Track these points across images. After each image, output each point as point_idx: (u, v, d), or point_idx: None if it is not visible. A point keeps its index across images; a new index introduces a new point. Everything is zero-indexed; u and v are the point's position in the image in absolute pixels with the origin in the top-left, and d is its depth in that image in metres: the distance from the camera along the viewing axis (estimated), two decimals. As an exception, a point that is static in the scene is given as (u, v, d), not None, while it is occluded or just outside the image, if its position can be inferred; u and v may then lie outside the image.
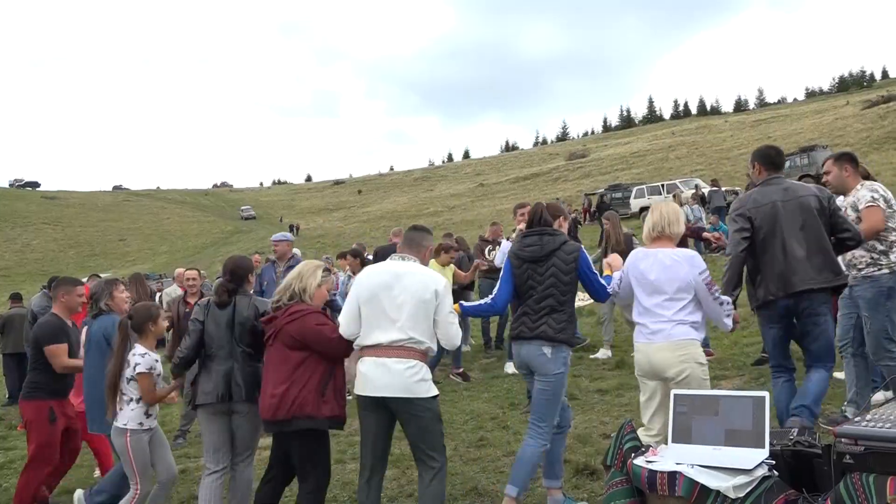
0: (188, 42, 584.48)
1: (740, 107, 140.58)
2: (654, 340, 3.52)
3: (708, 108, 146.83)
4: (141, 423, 3.91)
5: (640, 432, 3.49)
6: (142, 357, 3.91)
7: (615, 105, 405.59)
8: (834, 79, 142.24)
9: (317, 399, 3.39)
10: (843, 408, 4.70)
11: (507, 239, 6.49)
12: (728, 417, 2.94)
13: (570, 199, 41.32)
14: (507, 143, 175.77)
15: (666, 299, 3.52)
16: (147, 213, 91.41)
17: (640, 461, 2.86)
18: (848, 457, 2.50)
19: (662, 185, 29.58)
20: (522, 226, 6.15)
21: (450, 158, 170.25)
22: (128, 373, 3.90)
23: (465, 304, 4.02)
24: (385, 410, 3.38)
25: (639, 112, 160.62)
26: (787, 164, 27.28)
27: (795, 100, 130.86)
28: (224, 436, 3.85)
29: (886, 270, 4.35)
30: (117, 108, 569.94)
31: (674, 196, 18.78)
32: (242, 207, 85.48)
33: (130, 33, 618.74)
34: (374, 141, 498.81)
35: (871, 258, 4.40)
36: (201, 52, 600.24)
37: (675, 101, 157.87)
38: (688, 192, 22.89)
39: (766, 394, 2.94)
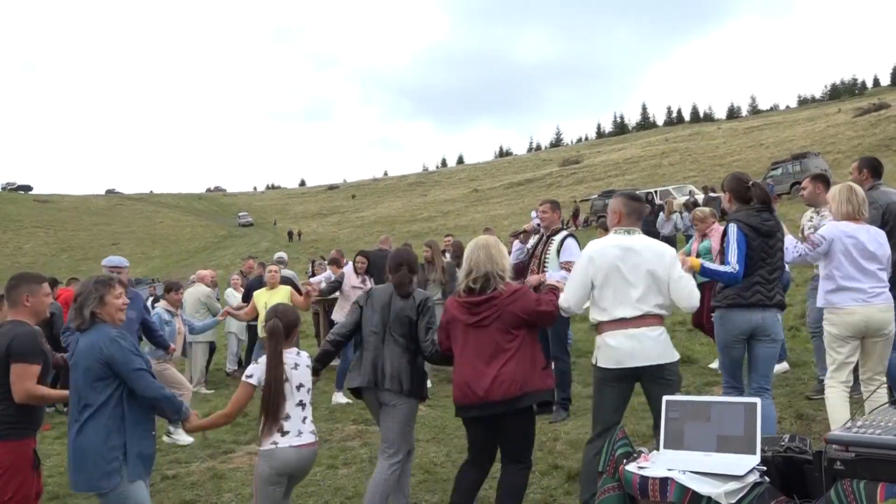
0: (182, 46, 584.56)
1: (733, 114, 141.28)
2: (874, 302, 4.01)
3: (701, 114, 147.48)
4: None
5: (836, 387, 4.03)
6: (309, 357, 3.57)
7: (609, 111, 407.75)
8: (826, 86, 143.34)
9: (539, 372, 3.53)
10: (819, 376, 5.35)
11: (517, 239, 6.48)
12: (720, 423, 2.94)
13: (564, 206, 41.44)
14: (500, 148, 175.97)
15: (880, 268, 4.07)
16: (140, 217, 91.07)
17: (631, 467, 2.85)
18: (839, 463, 2.50)
19: (655, 192, 29.68)
20: (534, 223, 6.13)
21: (444, 164, 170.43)
22: (295, 380, 3.40)
23: (706, 264, 3.99)
24: (630, 381, 3.59)
25: (632, 118, 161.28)
26: (779, 170, 27.47)
27: (788, 107, 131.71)
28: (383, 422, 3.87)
29: None
30: (111, 112, 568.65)
31: (665, 202, 18.79)
32: (240, 214, 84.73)
33: (124, 37, 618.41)
34: (368, 146, 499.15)
35: None
36: (195, 56, 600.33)
37: (669, 108, 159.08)
38: (680, 199, 22.96)
39: (757, 400, 2.95)
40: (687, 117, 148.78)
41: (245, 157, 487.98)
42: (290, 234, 59.35)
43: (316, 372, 3.72)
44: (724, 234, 4.05)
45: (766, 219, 4.04)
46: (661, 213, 17.30)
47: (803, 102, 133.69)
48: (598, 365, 3.61)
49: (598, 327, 3.63)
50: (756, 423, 2.87)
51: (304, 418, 3.38)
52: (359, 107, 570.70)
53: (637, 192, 4.03)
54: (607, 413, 3.60)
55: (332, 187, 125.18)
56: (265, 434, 3.33)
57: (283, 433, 3.31)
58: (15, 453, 3.30)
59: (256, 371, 3.42)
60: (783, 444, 2.88)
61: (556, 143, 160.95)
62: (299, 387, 3.41)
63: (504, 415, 3.47)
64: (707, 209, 7.55)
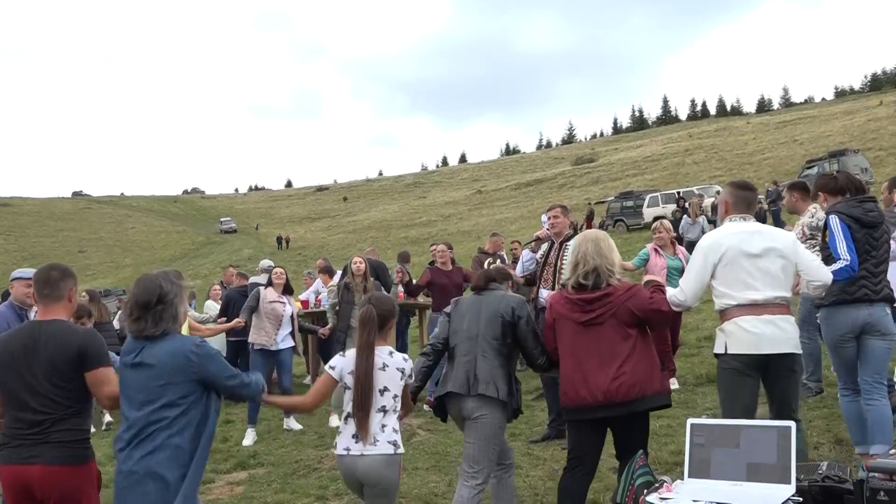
0: (154, 38, 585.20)
1: (764, 107, 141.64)
2: None
3: (728, 108, 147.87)
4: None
5: None
6: (405, 361, 3.52)
7: (626, 105, 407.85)
8: (866, 77, 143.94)
9: (658, 375, 3.64)
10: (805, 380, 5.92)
11: (527, 247, 6.51)
12: (750, 450, 2.94)
13: (577, 208, 41.45)
14: (507, 146, 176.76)
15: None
16: (110, 222, 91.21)
17: (653, 498, 2.85)
18: (882, 493, 2.50)
19: (678, 193, 29.73)
20: (545, 230, 6.16)
21: (444, 163, 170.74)
22: (381, 382, 3.39)
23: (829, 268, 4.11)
24: (762, 370, 3.67)
25: (652, 112, 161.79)
26: (815, 169, 27.50)
27: (824, 99, 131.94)
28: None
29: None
30: (78, 109, 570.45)
31: (689, 204, 18.77)
32: (222, 219, 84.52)
33: (90, 26, 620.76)
34: (361, 144, 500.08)
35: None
36: (169, 47, 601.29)
37: (693, 101, 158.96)
38: (708, 200, 22.88)
39: (791, 423, 2.95)
40: (713, 111, 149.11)
41: (225, 156, 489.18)
42: (280, 239, 59.21)
43: (415, 394, 3.82)
44: (825, 227, 4.27)
45: (869, 209, 4.30)
46: (686, 216, 17.31)
47: (841, 94, 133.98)
48: (731, 352, 3.68)
49: (725, 313, 3.73)
50: (791, 448, 2.87)
51: (384, 426, 3.37)
52: (350, 101, 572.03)
53: (747, 181, 4.22)
54: (742, 409, 3.61)
55: (321, 189, 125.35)
56: (342, 436, 3.37)
57: (358, 439, 3.33)
58: (93, 475, 3.20)
59: (340, 363, 3.45)
60: (821, 472, 2.87)
61: (569, 139, 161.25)
62: (384, 390, 3.38)
63: (619, 418, 3.59)
64: (668, 223, 7.77)
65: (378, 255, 9.82)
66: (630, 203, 32.83)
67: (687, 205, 20.50)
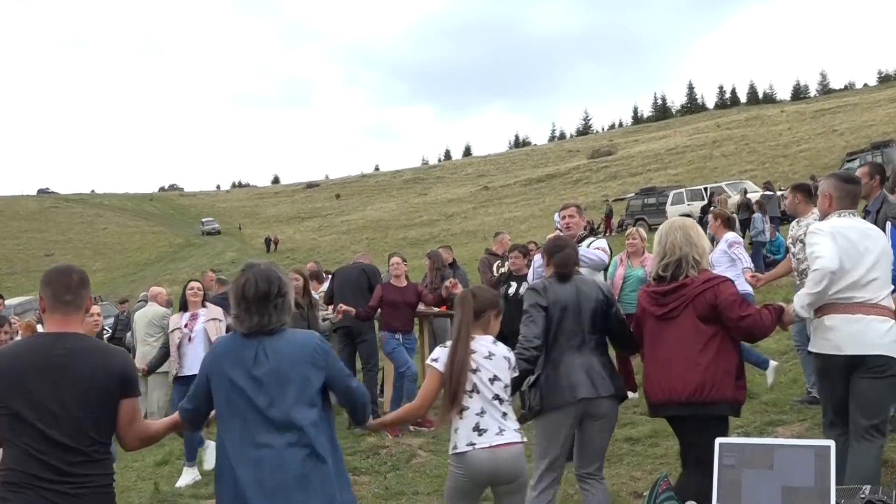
0: (128, 21, 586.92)
1: (799, 94, 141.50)
2: None
3: (760, 95, 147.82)
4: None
5: None
6: (509, 350, 3.71)
7: (647, 92, 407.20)
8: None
9: (732, 380, 3.71)
10: (808, 389, 6.60)
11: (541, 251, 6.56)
12: (785, 472, 2.93)
13: (594, 206, 41.48)
14: (516, 137, 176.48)
15: None
16: (79, 223, 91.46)
17: (677, 526, 2.85)
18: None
19: (705, 189, 29.71)
20: (558, 231, 6.19)
21: (447, 156, 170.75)
22: (488, 371, 3.51)
23: None
24: (847, 373, 3.87)
25: (676, 100, 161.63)
26: (856, 162, 27.47)
27: (866, 85, 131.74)
28: (568, 445, 4.01)
29: None
30: (43, 98, 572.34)
31: (717, 201, 18.75)
32: (204, 220, 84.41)
33: (56, 10, 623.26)
34: (355, 136, 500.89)
35: None
36: (145, 33, 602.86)
37: (721, 88, 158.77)
38: (735, 198, 22.88)
39: (831, 443, 2.93)
40: (743, 98, 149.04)
41: (206, 149, 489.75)
42: (268, 241, 59.06)
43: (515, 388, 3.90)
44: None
45: None
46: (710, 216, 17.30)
47: (885, 80, 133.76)
48: (816, 352, 4.02)
49: (819, 309, 3.93)
50: (830, 470, 2.86)
51: (504, 414, 3.51)
52: (342, 89, 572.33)
53: (852, 174, 4.45)
54: (834, 406, 3.97)
55: (311, 185, 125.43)
56: (461, 431, 3.47)
57: (481, 432, 3.42)
58: None
59: (442, 354, 3.56)
60: (863, 496, 2.86)
61: (584, 130, 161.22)
62: (493, 379, 3.52)
63: (685, 420, 3.74)
64: (643, 230, 8.00)
65: (371, 258, 9.84)
66: (652, 200, 32.82)
67: (714, 202, 20.46)
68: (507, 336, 7.59)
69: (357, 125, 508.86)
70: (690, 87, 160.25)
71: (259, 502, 2.74)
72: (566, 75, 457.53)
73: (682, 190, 31.92)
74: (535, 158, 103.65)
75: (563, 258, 4.13)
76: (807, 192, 6.33)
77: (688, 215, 27.77)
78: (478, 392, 3.48)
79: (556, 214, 6.49)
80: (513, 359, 3.65)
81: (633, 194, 37.05)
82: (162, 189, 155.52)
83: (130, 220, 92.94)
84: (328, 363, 2.96)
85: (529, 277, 6.58)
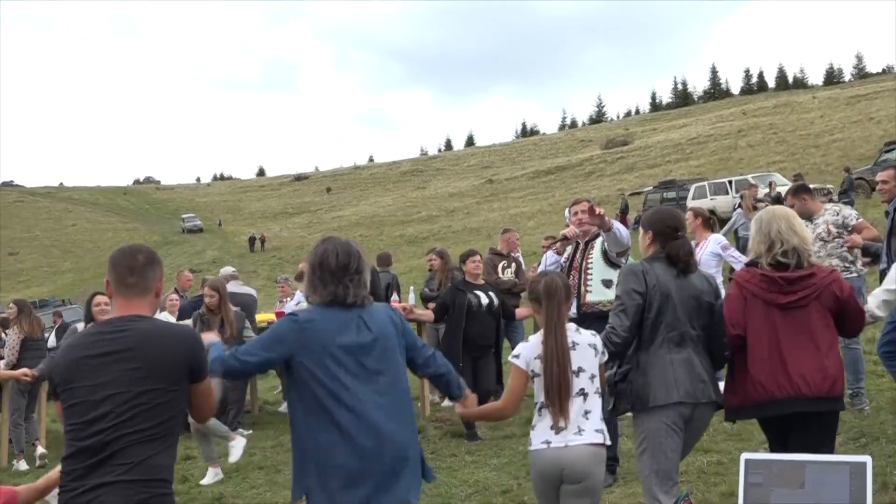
0: (96, 1, 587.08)
1: (833, 78, 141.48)
2: None
3: (790, 79, 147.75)
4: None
5: None
6: (594, 336, 3.80)
7: (667, 76, 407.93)
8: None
9: (843, 375, 3.90)
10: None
11: (552, 249, 6.50)
12: (817, 491, 2.93)
13: (608, 200, 41.47)
14: (523, 126, 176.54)
15: None
16: (46, 218, 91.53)
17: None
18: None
19: (730, 182, 29.70)
20: (572, 229, 6.16)
21: (448, 146, 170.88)
22: (573, 362, 3.60)
23: None
24: None
25: (698, 86, 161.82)
26: (895, 153, 27.42)
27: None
28: (669, 452, 3.91)
29: (856, 274, 6.59)
30: (6, 85, 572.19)
31: (743, 195, 18.73)
32: (184, 216, 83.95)
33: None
34: (347, 124, 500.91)
35: (845, 265, 6.52)
36: (115, 12, 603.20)
37: (747, 72, 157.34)
38: (763, 191, 22.80)
39: (867, 458, 2.93)
40: (771, 83, 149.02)
41: (184, 139, 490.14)
42: (252, 240, 58.98)
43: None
44: None
45: None
46: (738, 209, 17.24)
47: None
48: None
49: None
50: (866, 489, 2.86)
51: (587, 412, 3.56)
52: (333, 73, 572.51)
53: None
54: None
55: (299, 178, 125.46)
56: (538, 429, 3.58)
57: (559, 430, 3.51)
58: None
59: (525, 350, 3.65)
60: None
61: (598, 118, 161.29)
62: (578, 371, 3.59)
63: (807, 417, 3.78)
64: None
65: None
66: (672, 194, 32.79)
67: (740, 196, 20.44)
68: (476, 355, 7.66)
69: (349, 112, 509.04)
70: (714, 71, 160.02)
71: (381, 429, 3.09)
72: (578, 58, 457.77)
73: (705, 183, 31.91)
74: (544, 149, 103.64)
75: (677, 247, 4.02)
76: (808, 192, 6.90)
77: (712, 211, 27.78)
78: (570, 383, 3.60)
79: (567, 210, 6.45)
80: (599, 344, 3.73)
81: (650, 188, 37.10)
82: (137, 182, 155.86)
83: (102, 216, 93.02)
84: (406, 333, 3.32)
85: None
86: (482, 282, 7.92)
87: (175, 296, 11.09)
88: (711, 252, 7.73)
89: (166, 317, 10.92)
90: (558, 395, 3.49)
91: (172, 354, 2.83)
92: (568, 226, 6.31)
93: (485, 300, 7.64)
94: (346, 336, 3.13)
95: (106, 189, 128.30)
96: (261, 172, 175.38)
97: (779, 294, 3.84)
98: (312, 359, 3.09)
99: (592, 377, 3.60)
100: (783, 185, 23.71)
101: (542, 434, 3.54)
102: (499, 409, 3.84)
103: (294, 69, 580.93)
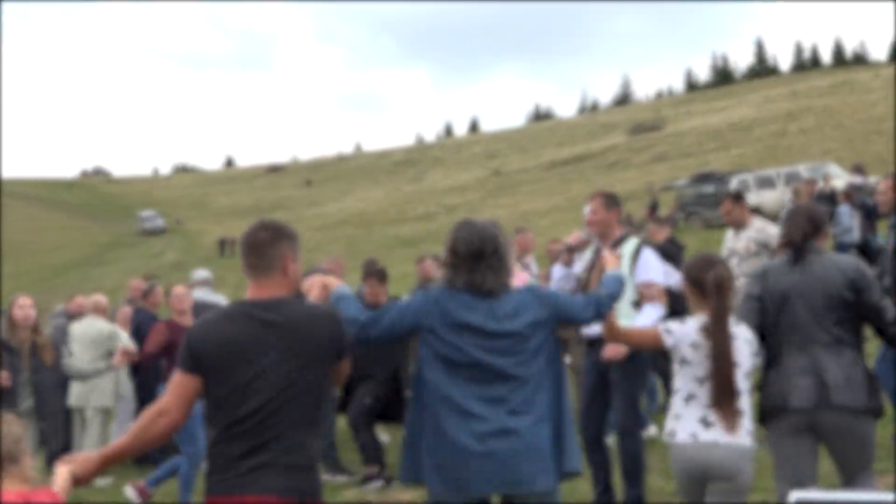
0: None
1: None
2: None
3: (848, 55, 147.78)
4: None
5: None
6: (749, 330, 4.12)
7: (704, 52, 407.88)
8: None
9: None
10: None
11: (561, 261, 6.40)
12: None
13: (635, 195, 41.43)
14: (536, 109, 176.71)
15: None
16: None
17: None
18: None
19: (778, 174, 29.67)
20: (577, 236, 6.09)
21: (448, 133, 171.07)
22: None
23: None
24: None
25: (741, 62, 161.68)
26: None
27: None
28: (802, 468, 4.14)
29: None
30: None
31: (794, 190, 18.70)
32: (144, 214, 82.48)
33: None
34: (331, 107, 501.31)
35: None
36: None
37: (798, 45, 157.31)
38: (834, 183, 22.48)
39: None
40: (826, 59, 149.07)
41: (140, 124, 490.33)
42: (223, 243, 58.51)
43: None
44: None
45: None
46: (790, 207, 17.23)
47: None
48: None
49: None
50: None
51: (740, 411, 3.84)
52: (315, 48, 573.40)
53: None
54: None
55: (274, 169, 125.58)
56: (683, 420, 3.89)
57: (708, 424, 3.82)
58: None
59: (679, 330, 3.99)
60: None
61: (623, 99, 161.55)
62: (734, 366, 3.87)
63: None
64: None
65: (342, 264, 9.82)
66: (710, 189, 32.71)
67: (793, 192, 20.37)
68: (355, 385, 7.55)
69: (332, 93, 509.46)
70: (759, 46, 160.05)
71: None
72: (601, 29, 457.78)
73: (749, 176, 31.86)
74: (560, 135, 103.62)
75: (792, 227, 4.39)
76: (741, 199, 7.34)
77: (756, 209, 27.74)
78: (711, 380, 3.85)
79: (587, 206, 6.41)
80: (755, 341, 4.04)
81: (685, 181, 37.03)
82: (84, 174, 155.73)
83: (45, 213, 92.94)
84: (556, 309, 3.77)
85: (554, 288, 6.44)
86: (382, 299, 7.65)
87: (127, 307, 11.08)
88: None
89: (118, 331, 10.96)
90: (725, 392, 3.78)
91: (323, 337, 3.27)
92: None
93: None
94: (474, 318, 3.58)
95: (49, 182, 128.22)
96: (229, 162, 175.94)
97: None
98: (439, 332, 3.60)
99: (746, 374, 3.92)
100: (840, 178, 23.53)
101: (688, 425, 3.84)
102: (620, 336, 4.30)
103: (268, 44, 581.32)
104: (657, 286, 5.66)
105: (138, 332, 9.32)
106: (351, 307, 3.70)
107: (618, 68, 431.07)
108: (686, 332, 3.93)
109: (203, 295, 10.08)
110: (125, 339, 10.35)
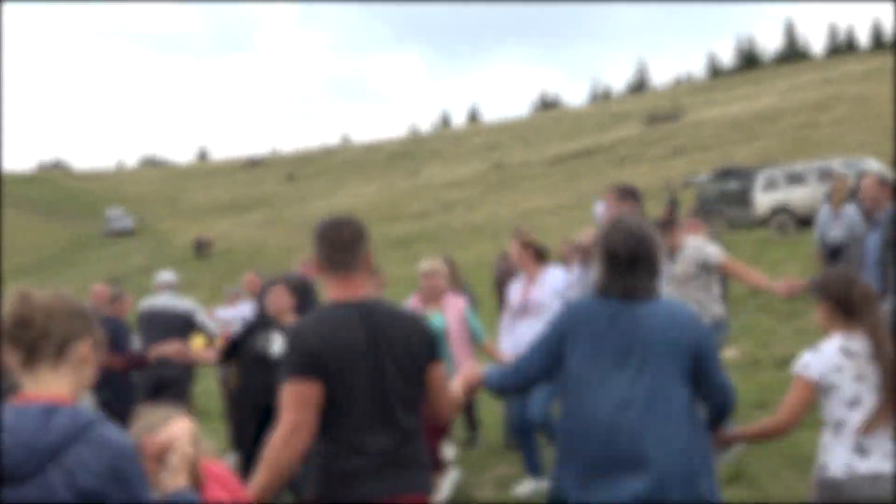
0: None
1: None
2: None
3: (888, 38, 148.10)
4: None
5: None
6: None
7: (727, 36, 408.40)
8: None
9: None
10: None
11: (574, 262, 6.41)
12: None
13: (651, 193, 41.45)
14: (542, 96, 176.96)
15: None
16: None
17: None
18: None
19: (810, 169, 29.65)
20: (589, 234, 6.11)
21: (445, 123, 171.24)
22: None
23: None
24: None
25: (768, 46, 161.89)
26: None
27: None
28: None
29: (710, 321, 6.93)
30: None
31: (832, 188, 18.62)
32: (111, 212, 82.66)
33: None
34: (315, 94, 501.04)
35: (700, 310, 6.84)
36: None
37: (831, 27, 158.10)
38: (870, 178, 22.55)
39: None
40: (863, 42, 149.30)
41: (104, 113, 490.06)
42: (200, 244, 58.52)
43: None
44: None
45: None
46: (826, 206, 17.19)
47: None
48: None
49: None
50: None
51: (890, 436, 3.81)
52: (297, 30, 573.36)
53: None
54: None
55: (253, 163, 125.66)
56: (834, 452, 3.82)
57: (864, 453, 3.75)
58: None
59: (817, 361, 3.90)
60: None
61: (638, 87, 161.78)
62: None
63: None
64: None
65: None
66: (733, 186, 32.73)
67: (829, 188, 20.37)
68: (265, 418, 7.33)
69: (317, 79, 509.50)
70: (789, 28, 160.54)
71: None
72: (614, 10, 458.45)
73: (777, 171, 31.84)
74: (568, 125, 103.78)
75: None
76: (676, 222, 7.24)
77: (783, 208, 27.59)
78: (860, 403, 3.78)
79: (598, 202, 6.43)
80: None
81: (705, 176, 37.03)
82: (42, 167, 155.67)
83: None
84: (697, 346, 3.56)
85: (545, 295, 6.44)
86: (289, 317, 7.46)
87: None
88: (555, 289, 7.26)
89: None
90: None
91: (418, 339, 3.54)
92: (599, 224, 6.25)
93: (276, 348, 7.11)
94: (609, 327, 3.58)
95: (3, 176, 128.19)
96: (203, 155, 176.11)
97: None
98: (575, 341, 3.63)
99: None
100: (878, 174, 23.54)
101: (842, 457, 3.76)
102: (776, 428, 4.01)
103: (248, 25, 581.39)
104: None
105: (111, 342, 9.29)
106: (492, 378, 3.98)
107: (633, 52, 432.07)
108: (826, 359, 3.88)
109: (167, 300, 10.11)
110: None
